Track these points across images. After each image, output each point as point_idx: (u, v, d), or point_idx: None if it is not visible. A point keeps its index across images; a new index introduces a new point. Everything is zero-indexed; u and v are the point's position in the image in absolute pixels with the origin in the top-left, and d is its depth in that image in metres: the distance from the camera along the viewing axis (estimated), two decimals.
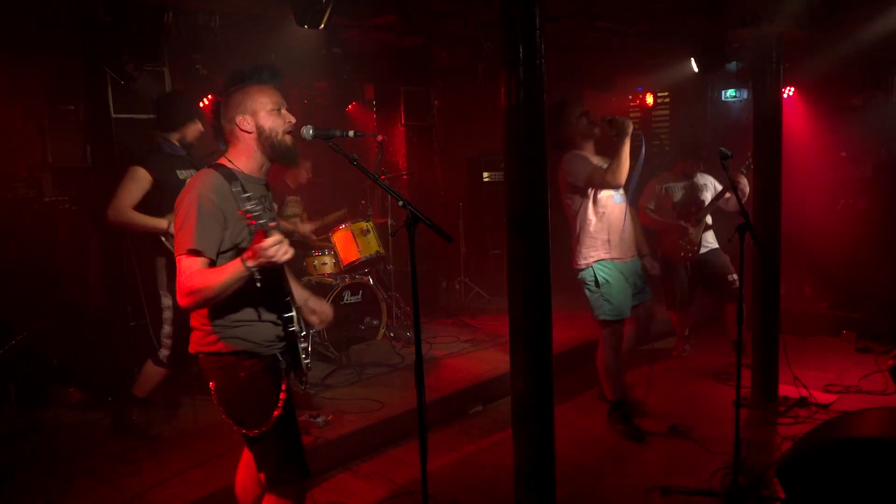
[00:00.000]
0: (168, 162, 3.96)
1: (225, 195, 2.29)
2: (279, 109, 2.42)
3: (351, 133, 2.51)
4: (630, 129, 3.86)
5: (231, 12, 5.04)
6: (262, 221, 2.12)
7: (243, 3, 4.81)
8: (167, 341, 3.94)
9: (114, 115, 4.82)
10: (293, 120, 2.45)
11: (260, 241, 2.14)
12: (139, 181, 3.87)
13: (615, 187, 4.05)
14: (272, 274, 2.37)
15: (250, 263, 2.16)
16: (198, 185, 2.30)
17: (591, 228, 4.13)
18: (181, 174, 3.96)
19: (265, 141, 2.41)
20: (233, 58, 6.01)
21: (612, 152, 3.93)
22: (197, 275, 2.22)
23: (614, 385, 4.32)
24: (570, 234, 4.25)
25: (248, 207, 2.11)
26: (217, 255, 2.30)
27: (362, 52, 6.57)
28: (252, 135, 2.40)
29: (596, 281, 4.13)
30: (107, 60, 4.63)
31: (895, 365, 4.60)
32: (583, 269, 4.19)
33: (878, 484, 2.70)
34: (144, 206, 3.88)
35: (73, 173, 5.17)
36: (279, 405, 2.39)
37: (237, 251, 2.32)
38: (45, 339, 4.76)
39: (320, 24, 4.39)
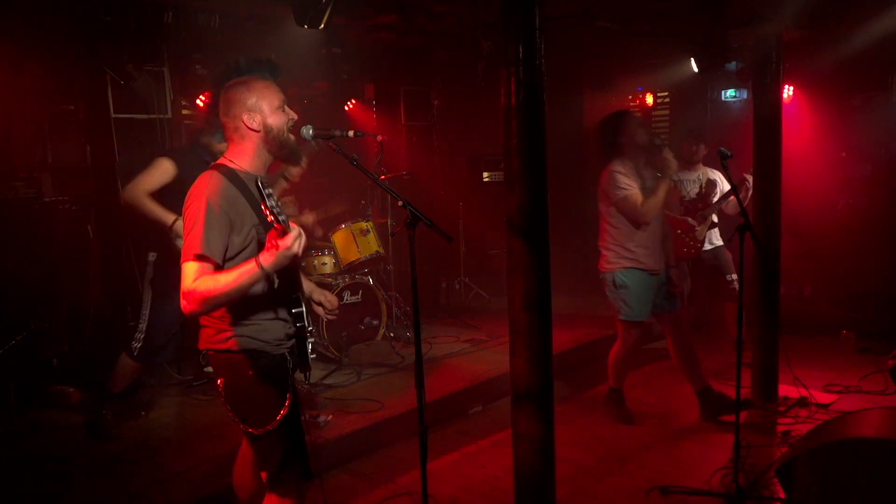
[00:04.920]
0: (195, 163, 3.95)
1: (232, 199, 2.29)
2: (283, 107, 2.41)
3: (351, 133, 2.52)
4: (672, 173, 4.09)
5: (231, 12, 5.04)
6: (282, 218, 2.10)
7: (243, 3, 4.81)
8: (140, 335, 3.98)
9: (113, 115, 4.83)
10: (295, 116, 2.45)
11: (277, 239, 2.12)
12: (163, 171, 3.89)
13: (636, 223, 4.13)
14: (285, 271, 2.37)
15: (266, 265, 2.15)
16: (206, 191, 2.27)
17: (622, 238, 4.20)
18: None
19: (273, 140, 2.40)
20: (232, 58, 6.01)
21: (649, 190, 4.09)
22: (208, 280, 2.19)
23: (617, 375, 4.52)
24: (598, 235, 4.36)
25: (270, 204, 2.07)
26: (224, 262, 2.28)
27: (362, 52, 6.56)
28: (259, 133, 2.38)
29: (615, 283, 4.25)
30: (107, 60, 4.63)
31: (895, 365, 4.60)
32: (605, 272, 4.31)
33: (878, 484, 2.70)
34: (162, 200, 3.89)
35: (73, 173, 5.17)
36: (286, 405, 2.39)
37: (242, 257, 2.31)
38: (45, 339, 4.76)
39: (320, 24, 4.39)
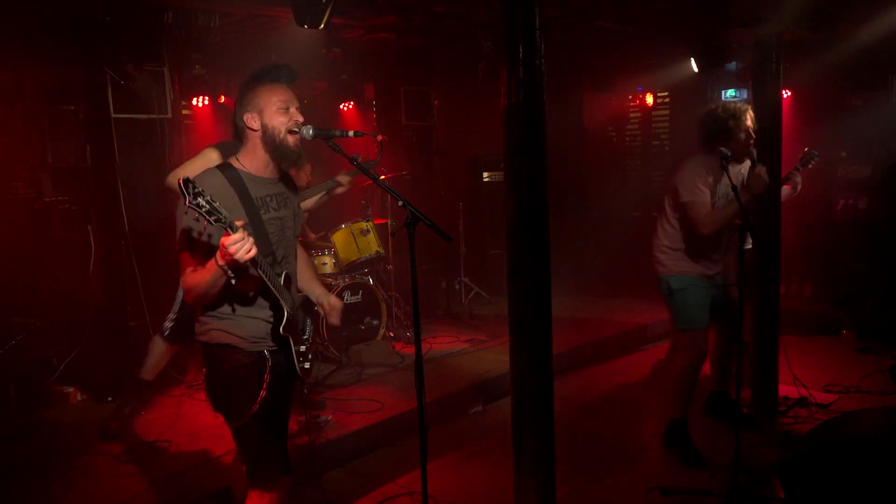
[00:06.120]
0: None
1: (217, 195, 2.22)
2: (287, 108, 2.45)
3: (351, 133, 2.52)
4: (758, 191, 3.65)
5: (231, 12, 5.04)
6: (214, 218, 2.05)
7: (243, 3, 4.81)
8: (172, 316, 4.10)
9: (113, 115, 4.82)
10: (300, 119, 2.46)
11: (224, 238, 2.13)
12: (208, 160, 3.89)
13: (698, 232, 3.74)
14: (248, 271, 2.31)
15: (220, 262, 2.16)
16: None
17: (682, 241, 3.89)
18: None
19: (268, 139, 2.44)
20: (232, 58, 6.01)
21: (721, 199, 3.73)
22: (189, 275, 2.31)
23: (681, 401, 3.95)
24: (653, 232, 4.01)
25: (196, 203, 2.01)
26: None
27: (362, 52, 6.57)
28: (258, 133, 2.45)
29: (670, 287, 3.93)
30: (107, 60, 4.63)
31: (895, 365, 4.60)
32: (660, 276, 3.99)
33: (877, 484, 2.70)
34: None
35: (72, 173, 5.17)
36: (257, 401, 2.42)
37: None
38: (45, 339, 4.76)
39: (320, 25, 4.39)
